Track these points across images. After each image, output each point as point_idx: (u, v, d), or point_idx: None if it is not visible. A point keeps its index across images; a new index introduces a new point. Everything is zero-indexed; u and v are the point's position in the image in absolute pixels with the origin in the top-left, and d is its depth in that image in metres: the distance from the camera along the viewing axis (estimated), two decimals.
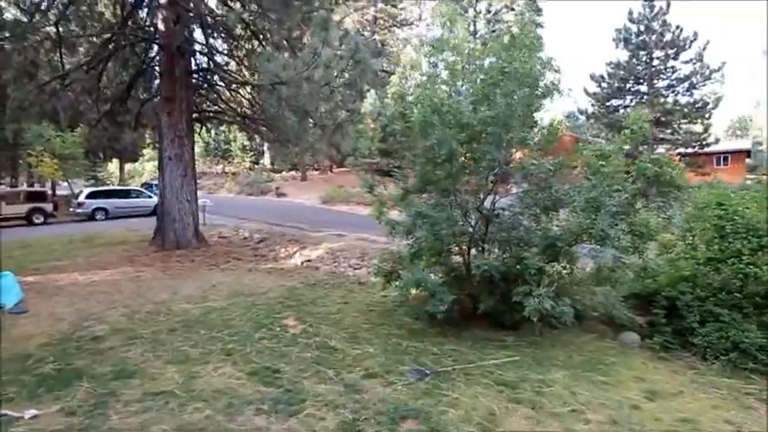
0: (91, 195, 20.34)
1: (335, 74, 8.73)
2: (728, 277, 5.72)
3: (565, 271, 5.68)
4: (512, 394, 4.41)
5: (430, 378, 4.75)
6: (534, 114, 6.23)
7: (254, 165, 45.60)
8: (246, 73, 12.29)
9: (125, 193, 21.87)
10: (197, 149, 49.58)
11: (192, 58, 12.78)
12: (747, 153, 38.56)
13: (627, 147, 5.09)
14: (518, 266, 5.91)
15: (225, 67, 12.52)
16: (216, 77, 12.34)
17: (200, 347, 5.51)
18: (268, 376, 4.74)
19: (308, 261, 11.04)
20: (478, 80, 5.68)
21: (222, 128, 17.87)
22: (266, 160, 46.74)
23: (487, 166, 5.83)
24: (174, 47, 10.44)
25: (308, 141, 10.85)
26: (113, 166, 40.95)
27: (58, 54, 12.91)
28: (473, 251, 6.70)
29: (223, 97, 13.73)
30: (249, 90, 12.02)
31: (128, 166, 44.49)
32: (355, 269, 10.18)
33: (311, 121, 9.88)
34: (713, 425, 3.97)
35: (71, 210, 20.44)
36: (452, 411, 4.06)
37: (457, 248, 6.70)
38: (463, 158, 5.71)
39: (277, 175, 42.90)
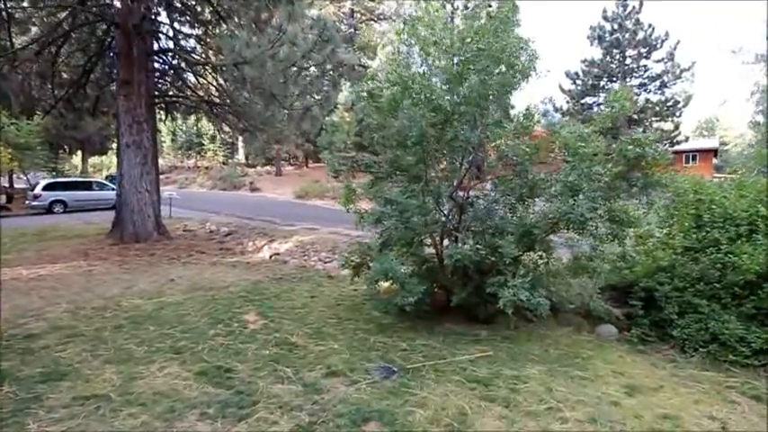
0: (48, 187, 19.21)
1: (301, 54, 8.22)
2: (707, 267, 5.52)
3: (541, 261, 5.39)
4: (485, 392, 4.08)
5: (397, 376, 4.39)
6: (510, 97, 5.91)
7: (228, 159, 44.48)
8: (212, 55, 11.64)
9: (86, 185, 20.78)
10: (168, 142, 48.13)
11: (156, 41, 12.06)
12: (715, 152, 39.68)
13: (607, 126, 4.81)
14: (492, 256, 5.61)
15: (188, 50, 11.84)
16: (177, 59, 11.65)
17: (147, 345, 5.01)
18: (218, 376, 4.29)
19: (277, 254, 10.54)
20: (453, 58, 5.31)
21: (191, 117, 17.03)
22: (240, 155, 45.69)
23: (461, 149, 5.48)
24: (130, 25, 9.74)
25: (275, 128, 10.32)
26: (78, 158, 39.24)
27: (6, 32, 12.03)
28: (446, 241, 6.38)
29: (188, 83, 13.04)
30: (214, 74, 11.38)
31: (94, 159, 42.79)
32: (325, 262, 9.74)
33: (279, 105, 9.34)
34: (697, 421, 3.72)
35: (26, 203, 19.30)
36: (420, 412, 3.69)
37: (429, 238, 6.37)
38: (436, 141, 5.34)
39: (251, 169, 42.01)
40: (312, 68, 9.10)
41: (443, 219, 6.21)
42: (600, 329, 5.86)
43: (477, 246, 5.52)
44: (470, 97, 5.00)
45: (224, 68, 9.48)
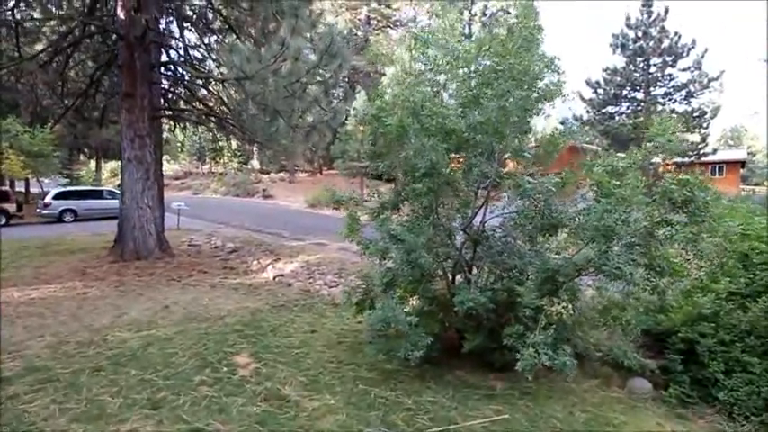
0: (58, 196, 19.13)
1: (307, 69, 7.73)
2: (758, 317, 4.84)
3: (565, 310, 4.76)
4: None
5: None
6: (529, 120, 5.30)
7: (242, 165, 44.47)
8: (215, 68, 11.24)
9: (96, 194, 20.66)
10: (183, 148, 48.35)
11: (165, 52, 11.76)
12: (742, 164, 38.19)
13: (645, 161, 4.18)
14: (510, 301, 5.00)
15: (192, 62, 11.49)
16: (180, 71, 11.30)
17: (123, 396, 4.52)
18: None
19: (281, 276, 10.05)
20: (470, 81, 4.74)
21: (200, 129, 16.78)
22: (255, 161, 45.66)
23: (476, 181, 4.90)
24: (132, 37, 9.41)
25: (279, 144, 9.88)
26: (102, 165, 39.57)
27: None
28: (459, 276, 5.80)
29: (198, 95, 12.72)
30: (218, 87, 11.01)
31: (112, 164, 43.12)
32: (330, 287, 9.21)
33: (283, 121, 8.89)
34: None
35: (37, 211, 19.25)
36: None
37: (441, 272, 5.79)
38: (448, 170, 4.76)
39: (265, 176, 41.89)
40: (315, 86, 8.60)
41: (455, 253, 5.63)
42: (632, 384, 5.19)
43: (493, 288, 4.92)
44: (487, 123, 4.42)
45: (226, 83, 9.07)
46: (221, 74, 9.71)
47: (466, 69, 4.72)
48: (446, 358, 5.60)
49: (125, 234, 10.52)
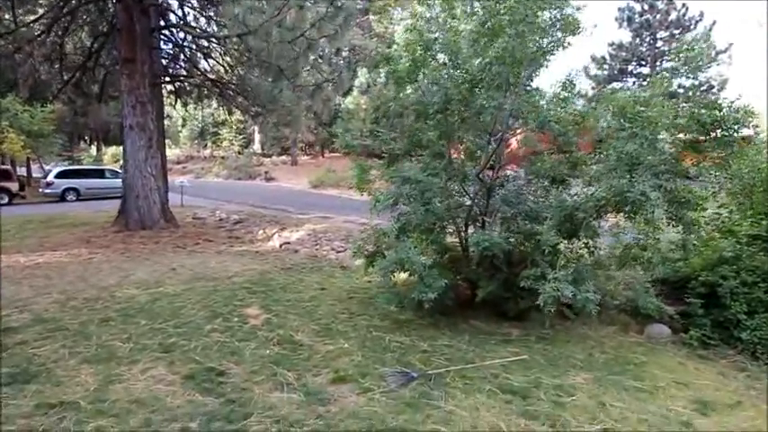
0: (60, 175, 18.99)
1: (311, 21, 7.47)
2: None
3: (586, 250, 4.63)
4: (523, 406, 3.39)
5: (417, 383, 3.72)
6: (546, 63, 5.09)
7: (244, 149, 44.14)
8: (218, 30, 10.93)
9: (99, 173, 20.51)
10: (184, 132, 48.04)
11: (162, 18, 11.49)
12: (747, 140, 37.76)
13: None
14: (526, 245, 4.87)
15: (194, 25, 11.19)
16: (184, 36, 11.06)
17: (133, 342, 4.43)
18: (209, 381, 3.68)
19: (287, 243, 9.94)
20: (483, 15, 4.52)
21: (202, 103, 16.52)
22: (256, 145, 45.31)
23: (488, 122, 4.72)
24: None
25: (284, 107, 9.66)
26: (103, 150, 39.34)
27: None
28: (470, 229, 5.67)
29: (196, 64, 12.46)
30: (221, 52, 10.75)
31: (113, 150, 42.88)
32: (338, 252, 9.10)
33: (287, 81, 8.66)
34: None
35: (40, 190, 19.15)
36: (445, 431, 3.02)
37: (452, 225, 5.67)
38: (461, 111, 4.59)
39: (267, 159, 41.58)
40: (323, 42, 8.35)
41: (468, 202, 5.49)
42: (650, 330, 5.09)
43: (508, 233, 4.79)
44: (503, 56, 4.23)
45: (228, 41, 8.82)
46: (223, 34, 9.42)
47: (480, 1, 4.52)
48: (459, 309, 5.50)
49: (129, 203, 10.39)
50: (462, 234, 5.64)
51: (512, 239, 4.48)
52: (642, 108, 3.82)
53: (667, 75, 4.04)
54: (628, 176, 3.73)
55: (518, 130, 5.06)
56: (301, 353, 4.27)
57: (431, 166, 4.62)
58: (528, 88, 4.89)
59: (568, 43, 4.45)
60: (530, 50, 4.24)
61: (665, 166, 3.89)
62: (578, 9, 4.59)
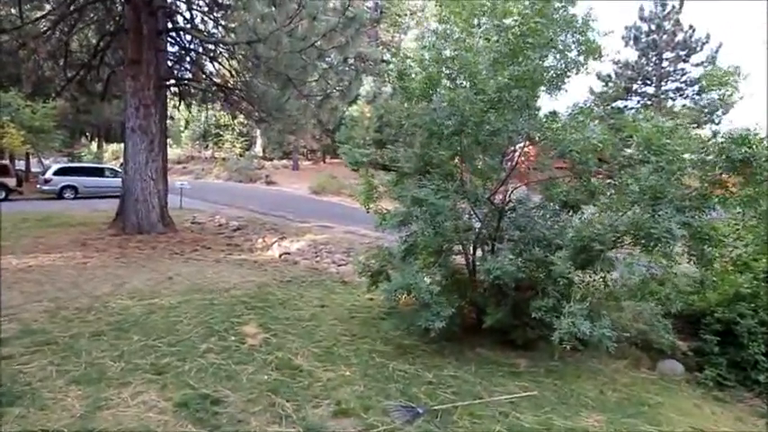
0: (59, 172, 18.75)
1: (323, 32, 7.34)
2: None
3: (598, 282, 4.46)
4: None
5: (423, 419, 3.52)
6: (564, 84, 4.95)
7: (245, 151, 44.01)
8: (227, 38, 10.79)
9: (98, 172, 20.27)
10: (186, 132, 47.90)
11: (170, 20, 11.37)
12: None
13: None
14: (537, 272, 4.70)
15: (200, 30, 11.04)
16: (191, 40, 10.91)
17: (125, 361, 4.23)
18: (203, 409, 3.48)
19: (287, 254, 9.75)
20: (507, 33, 4.36)
21: (206, 106, 16.38)
22: (258, 148, 45.19)
23: (501, 145, 4.57)
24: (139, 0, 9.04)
25: (290, 116, 9.50)
26: (104, 147, 39.10)
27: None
28: (478, 251, 5.50)
29: (203, 68, 12.34)
30: (228, 57, 10.61)
31: (114, 147, 42.68)
32: (339, 265, 8.91)
33: (295, 90, 8.52)
34: None
35: (38, 186, 18.91)
36: None
37: (459, 247, 5.50)
38: (475, 133, 4.42)
39: (268, 162, 41.43)
40: (333, 52, 8.22)
41: (478, 224, 5.32)
42: (663, 366, 4.91)
43: (518, 259, 4.61)
44: (523, 79, 4.08)
45: (237, 47, 8.66)
46: (233, 39, 9.26)
47: (502, 21, 4.38)
48: (465, 335, 5.32)
49: (127, 207, 10.20)
50: (470, 257, 5.47)
51: (525, 265, 4.29)
52: (668, 141, 3.67)
53: (694, 105, 3.87)
54: (651, 211, 3.58)
55: (531, 154, 4.91)
56: (301, 380, 4.07)
57: (442, 188, 4.44)
58: (542, 112, 4.74)
59: (587, 68, 4.31)
60: (549, 74, 4.09)
61: (689, 202, 3.73)
62: (605, 34, 4.46)
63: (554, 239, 4.72)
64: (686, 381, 4.71)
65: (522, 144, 4.69)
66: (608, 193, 4.26)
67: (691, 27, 27.05)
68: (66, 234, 10.43)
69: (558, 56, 4.13)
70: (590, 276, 4.64)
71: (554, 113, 4.61)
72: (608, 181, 4.49)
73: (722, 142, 3.63)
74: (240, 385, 3.89)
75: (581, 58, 4.25)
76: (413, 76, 4.67)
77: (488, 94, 4.28)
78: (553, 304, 4.30)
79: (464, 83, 4.28)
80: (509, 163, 5.19)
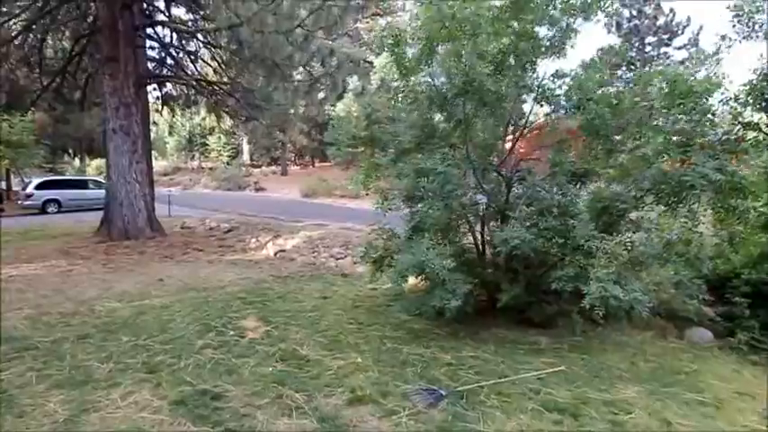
0: (41, 186, 18.13)
1: (310, 10, 6.99)
2: None
3: (622, 248, 4.17)
4: (577, 427, 2.89)
5: (448, 402, 3.19)
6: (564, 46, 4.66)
7: (232, 159, 43.47)
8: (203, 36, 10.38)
9: (81, 184, 19.69)
10: (171, 143, 47.22)
11: (146, 17, 10.96)
12: None
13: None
14: (553, 242, 4.39)
15: (178, 22, 10.61)
16: (170, 34, 10.52)
17: (114, 362, 3.85)
18: (202, 406, 3.12)
19: (282, 251, 9.38)
20: None
21: (190, 110, 15.93)
22: (245, 155, 44.69)
23: (512, 105, 4.27)
24: None
25: (278, 105, 9.14)
26: (85, 162, 38.33)
27: None
28: (486, 227, 5.20)
29: (184, 67, 11.92)
30: (210, 49, 10.22)
31: (98, 162, 41.87)
32: (338, 259, 8.55)
33: (282, 77, 8.16)
34: None
35: (19, 202, 18.28)
36: None
37: (465, 227, 5.20)
38: (481, 94, 4.12)
39: (256, 169, 40.98)
40: (320, 33, 7.88)
41: (483, 201, 5.02)
42: (691, 334, 4.64)
43: (535, 230, 4.32)
44: (530, 33, 3.80)
45: (218, 34, 8.29)
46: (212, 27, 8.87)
47: None
48: (477, 317, 4.99)
49: (112, 212, 9.75)
50: (479, 234, 5.17)
51: (543, 236, 3.99)
52: (694, 83, 3.41)
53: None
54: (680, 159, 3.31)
55: (541, 118, 4.63)
56: (309, 369, 3.73)
57: (449, 156, 4.14)
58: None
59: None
60: (554, 31, 3.82)
61: (721, 146, 3.47)
62: None
63: (569, 207, 4.43)
64: (718, 347, 4.44)
65: (530, 107, 4.40)
66: (629, 147, 3.97)
67: (671, 10, 27.23)
68: (48, 245, 9.95)
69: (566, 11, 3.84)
70: (609, 242, 4.35)
71: (562, 73, 4.33)
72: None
73: (754, 80, 3.38)
74: (242, 379, 3.54)
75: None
76: (408, 40, 4.36)
77: (491, 53, 3.99)
78: (575, 273, 4.01)
79: (465, 42, 3.97)
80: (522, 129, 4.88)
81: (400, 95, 4.84)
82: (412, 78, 4.67)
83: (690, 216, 4.05)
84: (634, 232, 4.08)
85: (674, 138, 3.41)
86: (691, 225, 4.05)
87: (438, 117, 4.68)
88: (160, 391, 3.34)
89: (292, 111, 9.62)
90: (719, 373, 3.81)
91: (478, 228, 5.22)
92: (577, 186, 4.89)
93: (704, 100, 3.38)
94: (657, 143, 3.51)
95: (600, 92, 3.79)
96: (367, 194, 5.27)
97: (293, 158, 44.18)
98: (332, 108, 19.89)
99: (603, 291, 3.30)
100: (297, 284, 6.75)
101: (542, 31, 4.41)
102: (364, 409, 3.12)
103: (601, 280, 3.44)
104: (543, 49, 4.31)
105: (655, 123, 3.72)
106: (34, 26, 10.99)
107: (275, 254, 9.36)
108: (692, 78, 3.42)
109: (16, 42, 11.55)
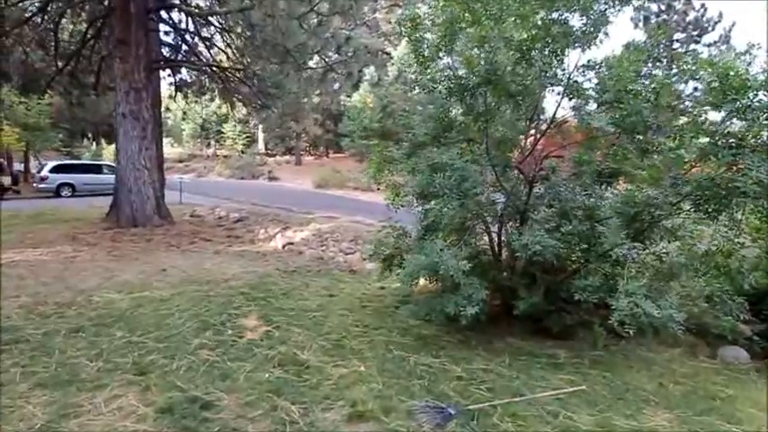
0: (55, 169, 18.21)
1: None
2: None
3: (653, 256, 3.82)
4: None
5: (456, 422, 2.90)
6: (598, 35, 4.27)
7: (247, 148, 43.50)
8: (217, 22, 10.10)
9: (96, 168, 19.75)
10: (187, 130, 47.47)
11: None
12: None
13: None
14: (579, 249, 4.06)
15: (191, 6, 10.38)
16: (182, 17, 10.30)
17: (104, 360, 3.65)
18: (191, 415, 2.88)
19: (291, 244, 9.15)
20: None
21: (204, 97, 15.73)
22: (260, 144, 44.68)
23: (539, 97, 3.92)
24: None
25: (290, 93, 8.87)
26: (103, 146, 38.67)
27: None
28: (504, 229, 4.87)
29: (196, 52, 11.70)
30: (223, 35, 9.98)
31: (114, 147, 42.28)
32: (347, 254, 8.29)
33: (295, 64, 7.88)
34: None
35: (34, 185, 18.40)
36: None
37: (481, 227, 4.87)
38: (506, 84, 3.78)
39: (270, 159, 40.98)
40: (334, 19, 7.57)
41: (502, 198, 4.68)
42: (725, 353, 4.27)
43: (558, 234, 3.98)
44: (562, 19, 3.43)
45: (230, 17, 8.03)
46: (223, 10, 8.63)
47: None
48: (490, 324, 4.67)
49: (121, 198, 9.63)
50: (495, 236, 4.85)
51: (569, 240, 3.66)
52: (748, 77, 3.03)
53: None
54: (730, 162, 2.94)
55: (568, 112, 4.26)
56: (308, 377, 3.47)
57: (467, 151, 3.81)
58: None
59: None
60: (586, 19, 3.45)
61: None
62: None
63: (595, 210, 4.08)
64: (755, 369, 4.07)
65: (557, 100, 4.03)
66: (667, 147, 3.60)
67: (702, 6, 26.15)
68: (56, 229, 9.86)
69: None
70: (641, 251, 3.99)
71: (592, 64, 3.95)
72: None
73: None
74: (236, 385, 3.29)
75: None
76: (427, 23, 4.02)
77: (517, 39, 3.64)
78: (600, 283, 3.68)
79: (491, 27, 3.62)
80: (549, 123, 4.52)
81: (416, 85, 4.50)
82: (430, 66, 4.34)
83: (731, 225, 3.67)
84: (669, 241, 3.72)
85: (723, 139, 3.04)
86: (732, 235, 3.67)
87: (456, 110, 4.34)
88: (148, 395, 3.11)
89: (306, 100, 9.31)
90: (758, 401, 3.45)
91: (495, 228, 4.91)
92: (603, 187, 4.55)
93: (764, 96, 3.00)
94: (698, 143, 3.15)
95: (637, 85, 3.43)
96: (379, 189, 4.96)
97: (308, 148, 44.00)
98: (347, 98, 19.63)
99: (635, 306, 2.96)
100: (303, 280, 6.50)
101: (573, 21, 4.09)
102: (365, 426, 2.86)
103: (631, 294, 3.10)
104: (574, 38, 3.93)
105: (698, 121, 3.34)
106: (49, 7, 10.84)
107: (283, 246, 9.14)
108: (745, 71, 3.03)
109: (31, 24, 11.43)
